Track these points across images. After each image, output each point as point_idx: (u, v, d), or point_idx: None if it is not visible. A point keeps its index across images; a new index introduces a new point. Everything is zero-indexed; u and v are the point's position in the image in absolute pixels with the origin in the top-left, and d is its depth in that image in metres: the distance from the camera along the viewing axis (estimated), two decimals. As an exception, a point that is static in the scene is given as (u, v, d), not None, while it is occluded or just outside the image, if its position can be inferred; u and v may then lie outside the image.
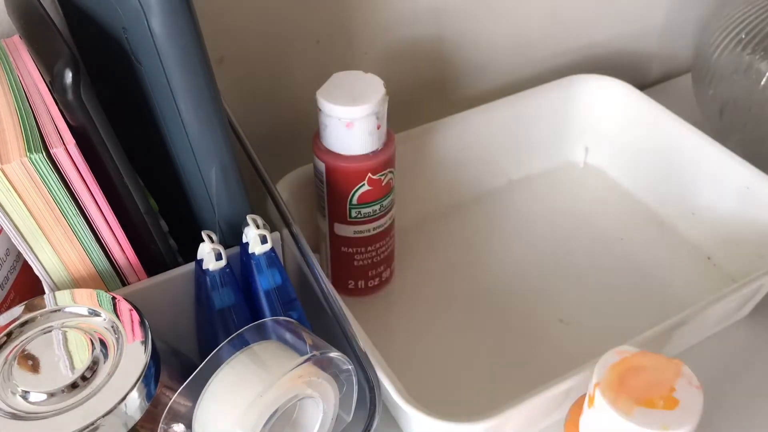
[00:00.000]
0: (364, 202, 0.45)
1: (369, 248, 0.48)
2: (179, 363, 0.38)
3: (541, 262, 0.54)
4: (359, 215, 0.46)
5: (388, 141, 0.45)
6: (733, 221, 0.52)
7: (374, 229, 0.47)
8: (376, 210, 0.46)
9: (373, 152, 0.44)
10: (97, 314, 0.33)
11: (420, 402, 0.37)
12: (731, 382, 0.47)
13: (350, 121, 0.42)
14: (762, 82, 0.55)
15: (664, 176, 0.57)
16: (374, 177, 0.44)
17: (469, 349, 0.48)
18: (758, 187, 0.50)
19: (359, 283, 0.50)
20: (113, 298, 0.34)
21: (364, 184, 0.44)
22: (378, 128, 0.43)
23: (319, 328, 0.40)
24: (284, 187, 0.49)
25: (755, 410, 0.45)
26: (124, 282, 0.38)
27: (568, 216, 0.58)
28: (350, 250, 0.48)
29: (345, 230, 0.47)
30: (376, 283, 0.51)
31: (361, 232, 0.47)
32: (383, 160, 0.44)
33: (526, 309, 0.51)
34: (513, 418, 0.38)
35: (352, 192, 0.45)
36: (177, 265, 0.39)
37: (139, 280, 0.38)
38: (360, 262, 0.49)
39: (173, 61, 0.33)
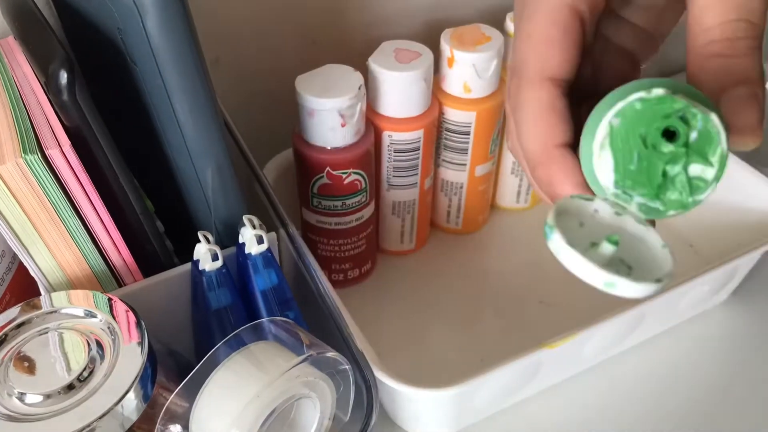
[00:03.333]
0: (324, 194, 0.46)
1: (331, 241, 0.49)
2: (176, 363, 0.37)
3: (523, 247, 0.55)
4: (320, 206, 0.47)
5: (359, 142, 0.45)
6: (713, 209, 0.52)
7: (336, 224, 0.48)
8: (337, 206, 0.47)
9: (334, 148, 0.44)
10: (93, 315, 0.33)
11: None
12: (707, 366, 0.47)
13: (311, 111, 0.43)
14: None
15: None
16: (334, 173, 0.45)
17: (451, 331, 0.49)
18: (738, 175, 0.51)
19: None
20: (109, 299, 0.34)
21: (323, 176, 0.45)
22: (342, 126, 0.43)
23: (316, 327, 0.40)
24: (269, 173, 0.51)
25: (731, 394, 0.46)
26: (120, 283, 0.38)
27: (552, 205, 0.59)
28: (314, 237, 0.49)
29: (309, 216, 0.48)
30: (340, 278, 0.51)
31: (322, 222, 0.48)
32: (346, 158, 0.45)
33: (508, 292, 0.52)
34: (483, 385, 0.39)
35: (313, 180, 0.46)
36: (173, 265, 0.39)
37: (135, 281, 0.38)
38: (323, 252, 0.49)
39: (169, 61, 0.32)
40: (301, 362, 0.32)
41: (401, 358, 0.47)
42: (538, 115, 0.26)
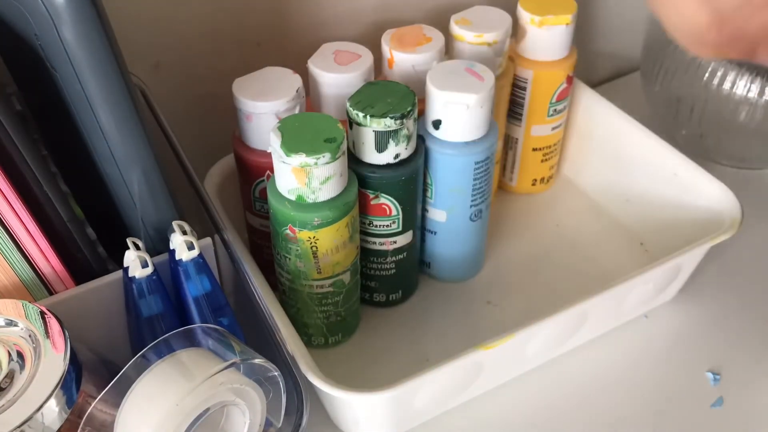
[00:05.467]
0: (266, 198, 0.44)
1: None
2: (111, 374, 0.37)
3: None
4: (262, 209, 0.46)
5: None
6: (663, 207, 0.53)
7: None
8: None
9: None
10: (14, 324, 0.33)
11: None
12: (654, 366, 0.47)
13: (249, 115, 0.42)
14: (704, 78, 0.55)
15: (601, 164, 0.57)
16: None
17: (399, 331, 0.49)
18: (685, 174, 0.51)
19: (271, 278, 0.50)
20: (35, 308, 0.34)
21: (264, 180, 0.44)
22: None
23: (257, 333, 0.39)
24: (215, 177, 0.50)
25: (677, 394, 0.46)
26: (51, 291, 0.38)
27: (504, 201, 0.59)
28: (259, 241, 0.48)
29: (253, 220, 0.48)
30: None
31: (265, 226, 0.47)
32: None
33: (456, 293, 0.51)
34: (421, 388, 0.39)
35: (254, 184, 0.45)
36: (107, 273, 0.39)
37: (67, 289, 0.38)
38: (269, 257, 0.48)
39: (86, 68, 0.32)
40: (223, 369, 0.32)
41: (348, 360, 0.47)
42: None
